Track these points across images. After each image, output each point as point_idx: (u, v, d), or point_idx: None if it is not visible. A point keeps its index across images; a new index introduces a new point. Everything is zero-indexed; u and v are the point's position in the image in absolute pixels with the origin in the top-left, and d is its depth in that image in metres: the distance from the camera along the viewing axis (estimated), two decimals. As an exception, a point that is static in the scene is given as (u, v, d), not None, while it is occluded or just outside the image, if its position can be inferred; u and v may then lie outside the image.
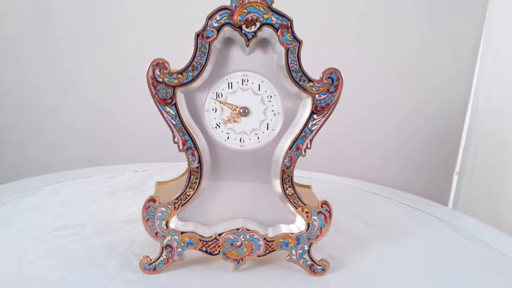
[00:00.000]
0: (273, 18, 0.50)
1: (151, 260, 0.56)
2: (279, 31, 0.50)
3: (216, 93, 0.54)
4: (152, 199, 0.54)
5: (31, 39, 1.17)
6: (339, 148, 1.29)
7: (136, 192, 0.87)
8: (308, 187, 0.66)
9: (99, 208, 0.78)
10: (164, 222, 0.55)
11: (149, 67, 0.50)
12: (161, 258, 0.56)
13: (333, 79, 0.53)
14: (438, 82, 1.26)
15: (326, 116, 0.54)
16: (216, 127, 0.55)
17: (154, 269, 0.56)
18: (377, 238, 0.72)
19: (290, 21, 0.50)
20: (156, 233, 0.55)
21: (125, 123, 1.26)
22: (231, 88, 0.54)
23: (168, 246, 0.56)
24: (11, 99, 1.22)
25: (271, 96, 0.55)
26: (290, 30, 0.50)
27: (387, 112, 1.27)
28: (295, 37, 0.50)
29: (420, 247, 0.71)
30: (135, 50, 1.18)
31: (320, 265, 0.58)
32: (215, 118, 0.55)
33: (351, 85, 1.16)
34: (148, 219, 0.55)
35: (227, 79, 0.54)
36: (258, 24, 0.50)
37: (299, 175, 1.03)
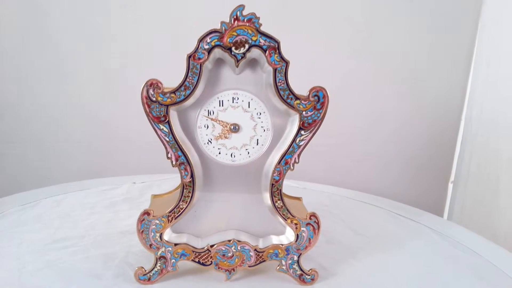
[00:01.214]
0: (261, 40, 0.52)
1: (145, 270, 0.58)
2: (267, 52, 0.52)
3: (208, 110, 0.56)
4: (146, 212, 0.57)
5: (30, 50, 1.19)
6: (335, 158, 1.31)
7: (133, 204, 0.90)
8: (298, 199, 0.68)
9: (97, 220, 0.80)
10: (158, 234, 0.57)
11: (143, 87, 0.53)
12: (155, 269, 0.58)
13: (319, 97, 0.55)
14: (432, 92, 1.28)
15: (313, 132, 0.57)
16: (208, 143, 0.57)
17: (149, 279, 0.58)
18: (367, 248, 0.74)
19: (278, 42, 0.53)
20: (150, 245, 0.58)
21: (125, 134, 1.29)
22: (222, 105, 0.56)
23: (162, 257, 0.58)
24: (11, 110, 1.24)
25: (260, 113, 0.57)
26: (277, 51, 0.53)
27: (382, 122, 1.30)
28: (282, 58, 0.53)
29: (410, 257, 0.72)
30: (134, 61, 1.21)
31: (309, 275, 0.60)
32: (207, 135, 0.57)
33: (348, 96, 1.20)
34: (142, 231, 0.57)
35: (218, 97, 0.56)
36: (247, 46, 0.52)
37: (293, 185, 1.05)
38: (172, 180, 1.05)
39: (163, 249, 0.58)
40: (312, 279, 0.61)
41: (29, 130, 1.26)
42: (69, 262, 0.63)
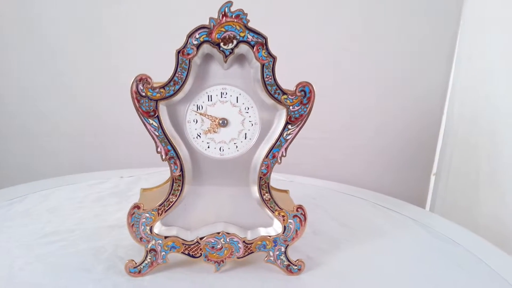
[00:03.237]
0: (249, 36, 0.53)
1: (136, 263, 0.59)
2: (254, 48, 0.54)
3: (197, 105, 0.57)
4: (136, 206, 0.57)
5: (18, 44, 1.17)
6: (322, 152, 1.33)
7: (121, 198, 0.90)
8: (285, 191, 0.70)
9: (86, 214, 0.80)
10: (148, 228, 0.58)
11: (132, 82, 0.53)
12: (146, 262, 0.59)
13: (305, 92, 0.56)
14: (416, 89, 1.31)
15: (299, 126, 0.58)
16: (197, 137, 0.58)
17: (139, 272, 0.59)
18: (352, 239, 0.76)
19: (265, 38, 0.54)
20: (140, 238, 0.59)
21: (112, 128, 1.28)
22: (211, 100, 0.57)
23: (152, 250, 0.59)
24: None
25: (248, 108, 0.58)
26: (265, 47, 0.54)
27: (368, 118, 1.32)
28: (269, 53, 0.54)
29: (393, 247, 0.75)
30: (124, 56, 1.20)
31: (296, 265, 0.62)
32: (196, 129, 0.58)
33: (333, 92, 1.21)
34: (133, 225, 0.58)
35: (207, 92, 0.57)
36: (235, 42, 0.53)
37: (281, 179, 1.07)
38: (159, 173, 1.05)
39: (153, 242, 0.59)
40: (299, 269, 0.62)
41: (15, 124, 1.24)
42: (59, 256, 0.64)
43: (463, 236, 0.82)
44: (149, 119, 0.55)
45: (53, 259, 0.63)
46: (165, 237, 0.59)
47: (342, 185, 1.12)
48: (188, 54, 0.53)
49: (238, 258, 0.61)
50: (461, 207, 1.25)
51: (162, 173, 1.04)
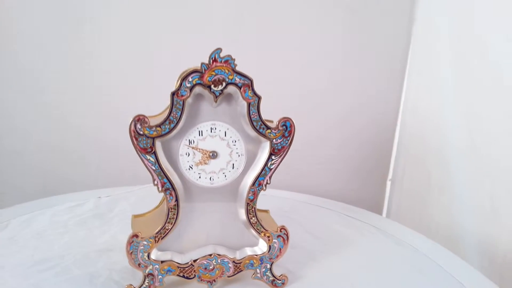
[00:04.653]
0: (237, 79, 0.59)
1: (134, 287, 0.64)
2: (241, 88, 0.60)
3: (189, 140, 0.63)
4: (135, 235, 0.62)
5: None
6: (292, 164, 1.41)
7: (104, 220, 0.93)
8: (266, 211, 0.76)
9: (72, 239, 0.83)
10: (146, 254, 0.63)
11: (131, 122, 0.58)
12: (144, 285, 0.64)
13: (287, 126, 0.63)
14: (372, 98, 1.41)
15: (282, 156, 0.65)
16: (189, 169, 0.64)
17: (138, 295, 0.64)
18: (325, 250, 0.84)
19: (251, 80, 0.60)
20: (139, 264, 0.63)
21: (79, 147, 1.30)
22: (202, 135, 0.63)
23: (150, 274, 0.64)
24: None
25: (235, 141, 0.64)
26: (251, 87, 0.60)
27: (331, 128, 1.41)
28: (255, 93, 0.60)
29: (361, 256, 0.83)
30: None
31: (280, 280, 0.69)
32: (188, 161, 0.63)
33: (303, 107, 1.29)
34: (131, 252, 0.62)
35: (198, 128, 0.63)
36: (224, 84, 0.59)
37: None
38: (138, 192, 1.09)
39: (150, 267, 0.64)
40: (283, 283, 0.69)
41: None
42: (55, 284, 0.66)
43: (421, 242, 0.91)
44: (147, 155, 0.60)
45: (49, 287, 0.65)
46: (162, 262, 0.64)
47: (310, 196, 1.19)
48: (182, 95, 0.58)
49: (228, 276, 0.67)
50: (415, 209, 1.37)
51: (140, 191, 1.08)
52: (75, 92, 1.26)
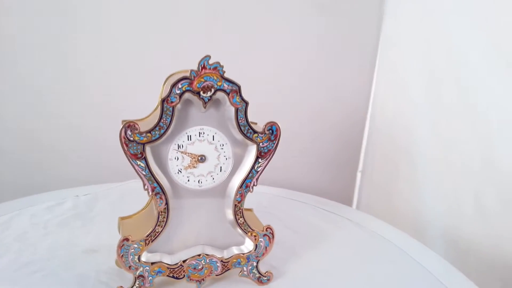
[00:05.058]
0: (225, 85, 0.61)
1: (125, 289, 0.65)
2: (229, 94, 0.61)
3: (178, 144, 0.64)
4: (126, 239, 0.63)
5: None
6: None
7: (85, 220, 0.93)
8: (250, 210, 0.79)
9: (56, 241, 0.82)
10: (136, 257, 0.64)
11: (121, 128, 0.59)
12: (135, 287, 0.65)
13: (273, 130, 0.66)
14: (343, 94, 1.47)
15: (268, 159, 0.67)
16: (178, 173, 0.65)
17: (129, 297, 0.65)
18: (304, 245, 0.88)
19: (239, 86, 0.62)
20: (129, 267, 0.64)
21: (53, 144, 1.28)
22: (190, 140, 0.64)
23: (140, 276, 0.65)
24: None
25: (223, 145, 0.66)
26: (238, 93, 0.62)
27: (305, 123, 1.45)
28: (242, 99, 0.62)
29: (337, 248, 0.87)
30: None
31: (265, 277, 0.72)
32: (177, 165, 0.65)
33: (280, 103, 1.32)
34: (122, 255, 0.64)
35: (186, 133, 0.64)
36: (213, 90, 0.61)
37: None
38: (116, 189, 1.09)
39: (141, 269, 0.65)
40: (268, 280, 0.73)
41: None
42: (44, 287, 0.67)
43: (392, 233, 0.97)
44: (137, 161, 0.61)
45: (38, 291, 0.66)
46: (152, 263, 0.65)
47: (286, 190, 1.23)
48: (172, 102, 0.60)
49: (216, 275, 0.70)
50: (383, 199, 1.44)
51: (118, 188, 1.08)
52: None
